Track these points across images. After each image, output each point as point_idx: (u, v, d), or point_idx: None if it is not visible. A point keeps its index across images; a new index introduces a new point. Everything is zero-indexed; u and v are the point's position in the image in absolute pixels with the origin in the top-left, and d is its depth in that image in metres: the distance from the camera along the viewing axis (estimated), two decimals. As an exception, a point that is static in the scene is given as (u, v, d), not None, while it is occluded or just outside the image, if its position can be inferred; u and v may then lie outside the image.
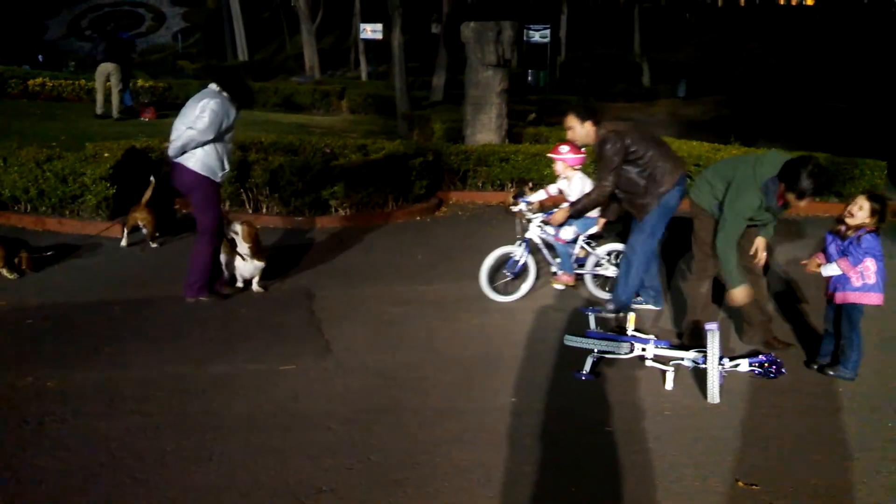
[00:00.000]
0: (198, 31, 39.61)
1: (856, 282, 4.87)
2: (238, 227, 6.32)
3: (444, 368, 5.13)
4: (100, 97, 14.87)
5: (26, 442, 4.01)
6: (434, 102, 19.47)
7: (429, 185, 9.84)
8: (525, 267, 6.52)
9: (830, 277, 4.99)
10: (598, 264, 6.64)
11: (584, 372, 4.95)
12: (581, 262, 6.64)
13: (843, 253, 4.86)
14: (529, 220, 6.53)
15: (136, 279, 6.73)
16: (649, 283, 6.27)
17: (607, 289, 6.59)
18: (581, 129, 5.99)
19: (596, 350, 5.07)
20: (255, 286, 6.54)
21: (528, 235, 6.52)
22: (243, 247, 6.32)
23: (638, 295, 6.26)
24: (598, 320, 5.61)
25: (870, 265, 4.84)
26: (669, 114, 23.13)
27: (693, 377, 5.00)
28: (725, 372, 4.86)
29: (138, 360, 5.07)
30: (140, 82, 18.40)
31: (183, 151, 5.90)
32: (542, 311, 6.22)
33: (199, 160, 5.93)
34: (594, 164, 6.11)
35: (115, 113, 14.74)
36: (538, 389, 4.83)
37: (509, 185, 10.07)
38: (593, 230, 6.59)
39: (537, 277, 6.65)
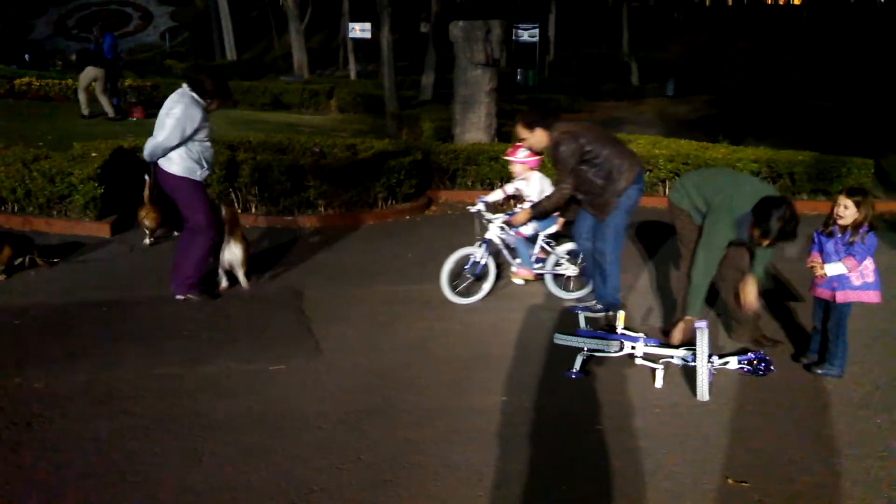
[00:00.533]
0: (186, 31, 39.43)
1: (856, 281, 4.88)
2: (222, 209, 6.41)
3: (434, 368, 5.13)
4: (83, 98, 14.80)
5: (14, 443, 3.99)
6: (423, 101, 19.46)
7: (418, 184, 9.84)
8: (486, 268, 6.45)
9: (821, 276, 4.99)
10: (557, 263, 6.59)
11: (574, 370, 4.96)
12: (541, 262, 6.59)
13: (849, 252, 4.85)
14: (489, 221, 6.43)
15: (125, 279, 6.70)
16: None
17: (571, 288, 6.60)
18: (532, 136, 6.00)
19: (586, 349, 5.08)
20: (241, 280, 6.51)
21: (488, 236, 6.41)
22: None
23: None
24: (588, 319, 5.63)
25: (868, 264, 4.88)
26: (658, 113, 23.17)
27: (682, 375, 5.02)
28: (715, 370, 4.88)
29: (127, 361, 5.05)
30: (128, 81, 18.32)
31: (154, 157, 5.95)
32: (532, 311, 6.22)
33: (176, 162, 5.95)
34: (553, 166, 6.07)
35: (109, 112, 14.69)
36: (528, 388, 4.83)
37: (498, 183, 10.06)
38: (553, 229, 6.57)
39: (498, 278, 6.61)
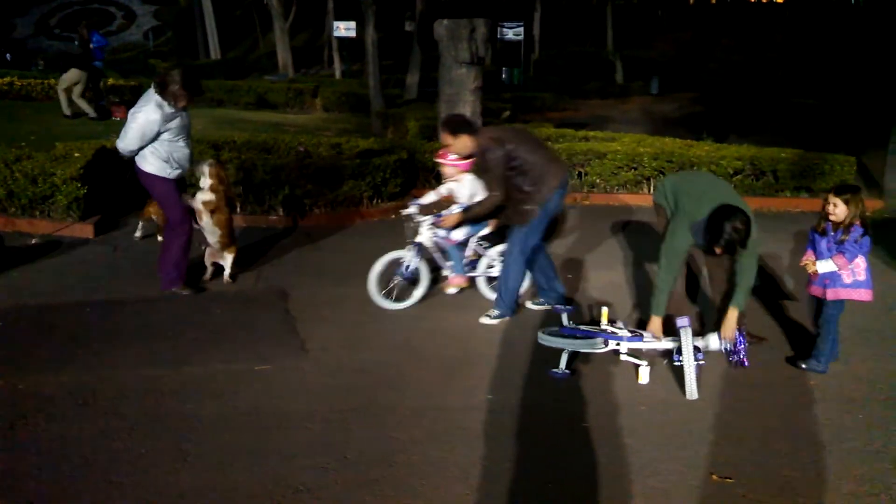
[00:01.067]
0: (169, 30, 39.18)
1: (847, 279, 4.92)
2: (205, 167, 6.41)
3: (420, 367, 5.13)
4: (63, 98, 14.72)
5: (-2, 446, 3.97)
6: (408, 100, 19.42)
7: (403, 183, 9.83)
8: (417, 272, 6.29)
9: (815, 275, 5.03)
10: (490, 266, 6.45)
11: (560, 370, 4.97)
12: (473, 265, 6.49)
13: (839, 250, 4.89)
14: (420, 223, 6.26)
15: (109, 279, 6.66)
16: (548, 285, 6.20)
17: None
18: (457, 142, 5.88)
19: (568, 349, 5.09)
20: (226, 273, 6.59)
21: (419, 239, 6.25)
22: (205, 182, 6.36)
23: (538, 297, 6.29)
24: (572, 316, 5.63)
25: (860, 262, 4.91)
26: (642, 111, 23.22)
27: (667, 372, 5.04)
28: (701, 361, 4.90)
29: (111, 362, 5.02)
30: (111, 81, 18.21)
31: (125, 156, 6.12)
32: (518, 309, 6.23)
33: (147, 160, 6.06)
34: (481, 173, 5.97)
35: (90, 113, 14.61)
36: (514, 387, 4.84)
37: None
38: (485, 231, 6.43)
39: (432, 282, 6.43)
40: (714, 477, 3.86)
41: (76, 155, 8.51)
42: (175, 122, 6.05)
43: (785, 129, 16.31)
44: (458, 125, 5.91)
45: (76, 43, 14.57)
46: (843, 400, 4.74)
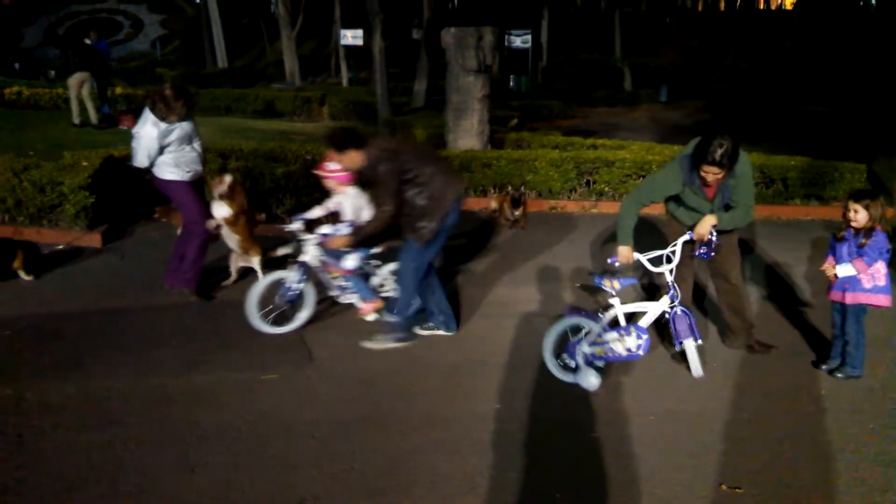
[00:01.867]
0: (176, 39, 39.40)
1: (866, 283, 4.93)
2: (227, 177, 6.50)
3: (427, 375, 5.12)
4: (74, 106, 14.76)
5: (6, 455, 3.97)
6: (415, 108, 19.47)
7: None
8: (300, 294, 5.87)
9: (835, 279, 5.03)
10: (381, 285, 6.16)
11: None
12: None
13: (859, 254, 4.90)
14: (305, 241, 5.87)
15: (116, 288, 6.66)
16: (437, 307, 5.84)
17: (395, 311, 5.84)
18: (345, 158, 5.41)
19: (581, 349, 5.02)
20: (259, 275, 6.67)
21: (303, 258, 5.86)
22: (217, 192, 6.41)
23: (428, 321, 5.90)
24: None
25: (880, 267, 4.92)
26: (651, 118, 23.21)
27: (676, 381, 5.01)
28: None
29: (118, 371, 5.02)
30: (119, 90, 18.28)
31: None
32: (525, 317, 6.21)
33: (161, 168, 6.27)
34: (372, 188, 5.51)
35: (93, 119, 14.65)
36: (522, 396, 4.82)
37: (492, 190, 10.06)
38: (377, 250, 6.09)
39: (317, 303, 6.03)
40: (723, 487, 3.83)
41: (84, 164, 8.53)
42: (175, 134, 6.18)
43: (795, 137, 16.28)
44: (344, 140, 5.38)
45: (73, 59, 14.53)
46: (855, 409, 4.71)
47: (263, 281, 5.89)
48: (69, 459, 3.94)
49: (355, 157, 5.37)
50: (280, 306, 5.84)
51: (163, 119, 6.12)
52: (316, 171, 6.16)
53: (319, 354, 5.41)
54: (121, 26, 40.47)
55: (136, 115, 15.49)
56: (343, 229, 5.76)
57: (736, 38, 39.00)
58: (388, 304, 5.93)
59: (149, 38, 39.83)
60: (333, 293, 6.09)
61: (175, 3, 42.18)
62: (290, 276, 5.83)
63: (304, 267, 5.85)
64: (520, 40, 30.34)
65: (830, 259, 5.14)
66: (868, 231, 4.89)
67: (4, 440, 4.10)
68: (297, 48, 31.71)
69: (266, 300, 5.82)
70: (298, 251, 5.93)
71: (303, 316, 5.93)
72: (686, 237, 5.13)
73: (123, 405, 4.55)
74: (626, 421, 4.52)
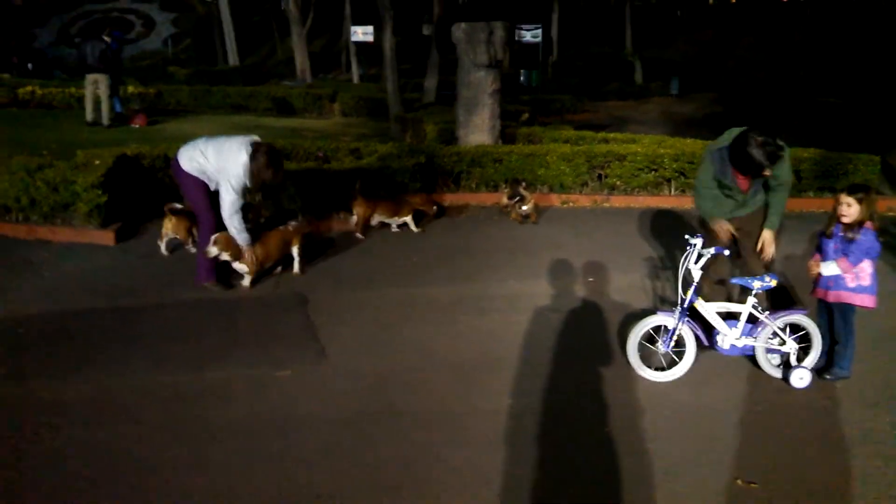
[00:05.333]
0: (188, 37, 39.54)
1: (850, 282, 4.83)
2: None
3: (440, 371, 5.11)
4: (89, 105, 14.82)
5: (22, 452, 3.98)
6: (426, 104, 19.43)
7: (422, 187, 9.81)
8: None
9: (819, 277, 4.95)
10: None
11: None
12: None
13: (844, 252, 4.81)
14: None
15: (129, 286, 6.68)
16: None
17: None
18: None
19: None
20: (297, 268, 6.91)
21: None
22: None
23: None
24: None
25: (866, 266, 4.81)
26: (662, 111, 23.14)
27: (692, 375, 4.99)
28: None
29: (132, 368, 5.04)
30: (130, 89, 18.35)
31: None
32: (538, 312, 6.19)
33: (186, 160, 6.40)
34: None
35: (105, 120, 14.69)
36: (536, 391, 4.81)
37: (503, 185, 10.04)
38: None
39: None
40: (739, 482, 3.82)
41: (97, 163, 8.55)
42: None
43: (807, 129, 16.18)
44: None
45: (91, 54, 14.55)
46: (869, 403, 4.68)
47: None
48: (84, 457, 3.96)
49: None
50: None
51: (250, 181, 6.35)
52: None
53: (333, 350, 5.41)
54: (133, 25, 40.63)
55: (148, 114, 15.64)
56: None
57: (748, 29, 38.78)
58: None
59: (160, 36, 40.00)
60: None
61: (186, 2, 42.30)
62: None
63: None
64: (530, 35, 30.32)
65: (816, 256, 5.04)
66: (857, 226, 4.75)
67: (20, 438, 4.12)
68: (308, 45, 31.72)
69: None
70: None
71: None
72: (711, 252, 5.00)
73: (137, 402, 4.56)
74: (641, 415, 4.51)
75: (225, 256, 6.45)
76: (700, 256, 4.95)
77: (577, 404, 4.65)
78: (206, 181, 6.42)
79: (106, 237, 7.92)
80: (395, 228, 8.73)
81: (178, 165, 6.43)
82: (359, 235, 8.38)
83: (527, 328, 5.87)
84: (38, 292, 6.47)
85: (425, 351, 5.46)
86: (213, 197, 6.47)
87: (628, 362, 5.04)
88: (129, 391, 4.70)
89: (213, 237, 6.42)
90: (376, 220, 8.58)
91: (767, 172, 4.87)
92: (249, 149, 6.29)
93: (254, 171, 6.25)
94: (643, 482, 3.81)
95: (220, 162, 6.30)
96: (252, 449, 4.08)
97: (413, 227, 8.69)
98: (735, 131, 5.00)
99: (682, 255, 5.03)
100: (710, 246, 5.00)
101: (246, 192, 6.44)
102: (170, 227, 7.43)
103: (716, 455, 4.06)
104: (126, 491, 3.67)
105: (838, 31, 34.55)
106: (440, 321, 6.02)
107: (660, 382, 4.92)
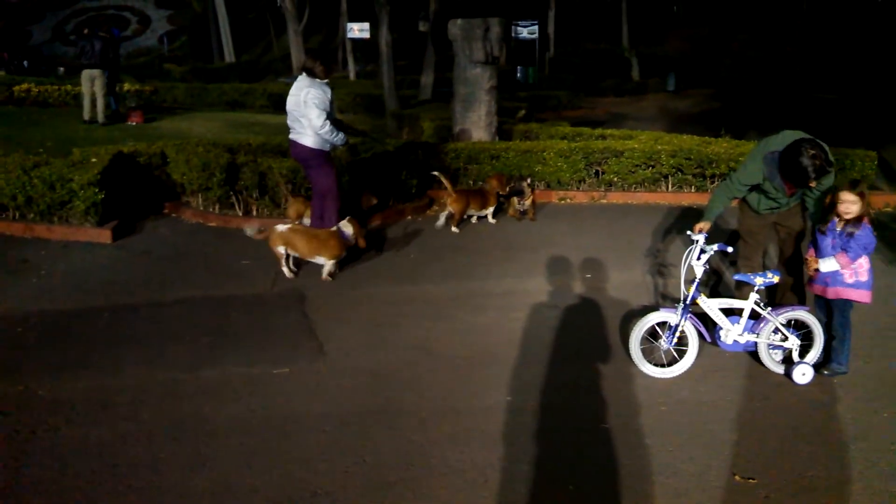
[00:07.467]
0: (184, 34, 39.43)
1: (848, 278, 4.83)
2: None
3: (438, 368, 5.11)
4: (87, 102, 14.80)
5: (19, 451, 3.98)
6: (423, 101, 19.43)
7: (419, 184, 9.81)
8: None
9: (816, 273, 4.94)
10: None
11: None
12: None
13: (843, 248, 4.80)
14: None
15: (126, 284, 6.68)
16: None
17: None
18: None
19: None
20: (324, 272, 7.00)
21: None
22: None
23: None
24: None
25: (863, 262, 4.81)
26: (659, 108, 23.14)
27: (692, 368, 4.99)
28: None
29: (129, 367, 5.03)
30: (126, 86, 18.32)
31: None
32: (536, 309, 6.20)
33: (310, 137, 7.10)
34: None
35: (100, 117, 14.67)
36: (533, 388, 4.81)
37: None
38: None
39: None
40: (737, 477, 3.82)
41: (93, 160, 8.55)
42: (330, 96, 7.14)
43: (805, 125, 16.17)
44: None
45: (88, 51, 14.52)
46: (867, 399, 4.68)
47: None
48: (81, 455, 3.96)
49: None
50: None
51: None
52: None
53: (331, 348, 5.41)
54: (128, 22, 40.53)
55: (144, 111, 15.63)
56: None
57: (744, 25, 38.76)
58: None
59: (156, 33, 39.89)
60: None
61: (182, -1, 42.22)
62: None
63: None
64: (527, 31, 30.30)
65: (812, 252, 5.01)
66: (857, 220, 4.74)
67: (17, 436, 4.12)
68: (304, 42, 31.67)
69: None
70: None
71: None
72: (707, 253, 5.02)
73: (135, 401, 4.56)
74: (639, 411, 4.51)
75: (351, 237, 6.87)
76: (702, 252, 4.96)
77: (575, 400, 4.65)
78: (322, 147, 7.07)
79: (103, 235, 7.92)
80: (474, 221, 9.05)
81: (303, 146, 7.10)
82: (454, 230, 8.60)
83: (525, 325, 5.88)
84: (35, 290, 6.46)
85: (423, 348, 5.46)
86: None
87: (630, 358, 5.05)
88: (126, 390, 4.69)
89: (347, 218, 6.96)
90: (468, 213, 8.84)
91: (812, 184, 4.89)
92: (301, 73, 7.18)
93: (318, 73, 7.01)
94: (641, 478, 3.81)
95: (296, 101, 6.99)
96: (250, 447, 4.07)
97: (491, 220, 9.08)
98: (789, 135, 4.99)
99: (683, 251, 5.04)
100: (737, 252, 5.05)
101: (328, 107, 6.98)
102: (294, 212, 8.03)
103: (714, 451, 4.06)
104: (123, 490, 3.66)
105: (835, 26, 34.55)
106: (438, 318, 6.02)
107: (659, 378, 4.92)
